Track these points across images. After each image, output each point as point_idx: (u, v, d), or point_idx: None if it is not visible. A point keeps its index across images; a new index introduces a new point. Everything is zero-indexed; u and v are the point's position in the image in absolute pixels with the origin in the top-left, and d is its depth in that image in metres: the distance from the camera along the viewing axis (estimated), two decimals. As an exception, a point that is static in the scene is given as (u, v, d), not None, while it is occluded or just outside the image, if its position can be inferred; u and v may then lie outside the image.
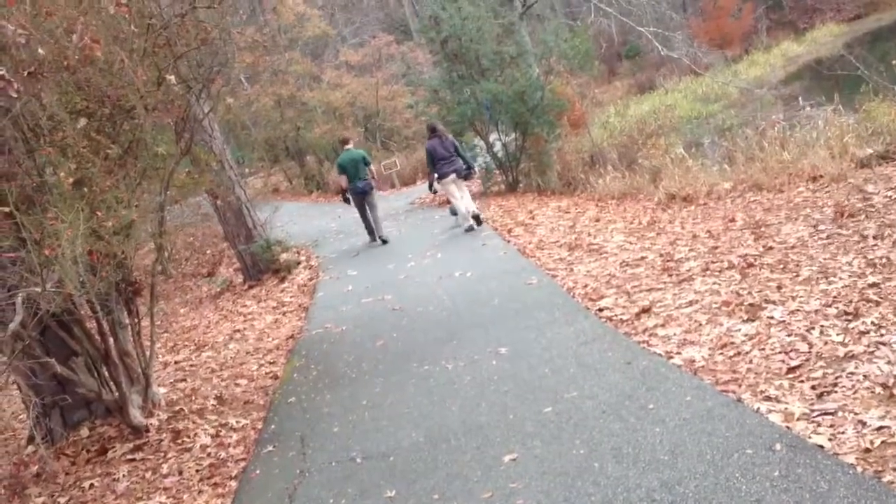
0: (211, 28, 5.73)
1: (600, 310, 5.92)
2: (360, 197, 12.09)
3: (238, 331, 8.60)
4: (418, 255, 10.03)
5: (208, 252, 15.28)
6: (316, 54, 30.27)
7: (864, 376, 3.62)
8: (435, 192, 11.92)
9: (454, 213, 11.84)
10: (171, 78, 5.26)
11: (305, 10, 26.37)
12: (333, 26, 31.11)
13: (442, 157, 10.91)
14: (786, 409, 3.52)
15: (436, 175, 11.10)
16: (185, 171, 7.70)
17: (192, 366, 7.47)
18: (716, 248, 6.65)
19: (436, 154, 10.97)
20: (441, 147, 10.93)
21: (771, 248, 6.17)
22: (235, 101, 19.63)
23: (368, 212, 12.26)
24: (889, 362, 3.68)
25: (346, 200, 12.43)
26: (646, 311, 5.57)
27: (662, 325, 5.17)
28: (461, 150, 11.37)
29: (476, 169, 12.27)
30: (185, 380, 6.91)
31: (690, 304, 5.43)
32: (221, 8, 6.52)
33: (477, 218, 10.83)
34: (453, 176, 10.93)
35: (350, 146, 12.52)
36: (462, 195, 11.08)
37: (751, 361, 4.19)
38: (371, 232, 12.37)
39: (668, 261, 6.68)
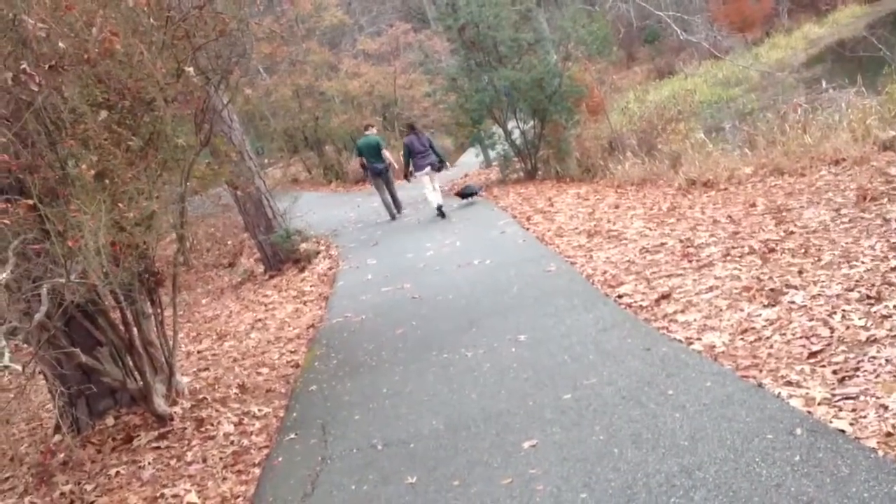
0: (229, 19, 5.75)
1: (620, 296, 5.91)
2: (377, 177, 13.55)
3: (259, 320, 8.66)
4: (437, 244, 10.04)
5: (229, 242, 15.39)
6: (333, 44, 30.26)
7: (887, 360, 3.59)
8: (408, 181, 13.09)
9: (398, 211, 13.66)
10: (190, 70, 5.29)
11: (323, 0, 26.34)
12: (351, 15, 31.06)
13: (418, 151, 12.25)
14: (807, 393, 3.51)
15: (412, 168, 12.35)
16: (206, 163, 7.76)
17: (214, 355, 7.54)
18: (736, 233, 6.61)
19: (413, 149, 12.28)
20: (417, 143, 12.31)
21: (792, 232, 6.12)
22: (254, 92, 19.73)
23: (385, 190, 13.62)
24: (912, 346, 3.65)
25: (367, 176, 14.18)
26: (665, 297, 5.56)
27: (682, 311, 5.16)
28: (435, 146, 12.74)
29: (447, 164, 13.80)
30: (207, 369, 6.98)
31: (711, 289, 5.40)
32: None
33: (440, 211, 12.09)
34: (428, 168, 12.22)
35: (370, 132, 13.79)
36: (434, 187, 12.36)
37: (771, 346, 4.17)
38: (389, 209, 13.70)
39: (688, 246, 6.65)
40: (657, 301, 5.53)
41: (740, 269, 5.61)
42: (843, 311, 4.30)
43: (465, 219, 11.61)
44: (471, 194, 13.08)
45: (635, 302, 5.67)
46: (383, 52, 28.08)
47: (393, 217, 13.61)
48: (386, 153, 13.47)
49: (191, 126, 6.09)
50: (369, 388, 5.43)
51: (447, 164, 13.63)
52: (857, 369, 3.62)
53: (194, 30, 5.46)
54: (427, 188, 12.42)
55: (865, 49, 17.22)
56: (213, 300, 11.18)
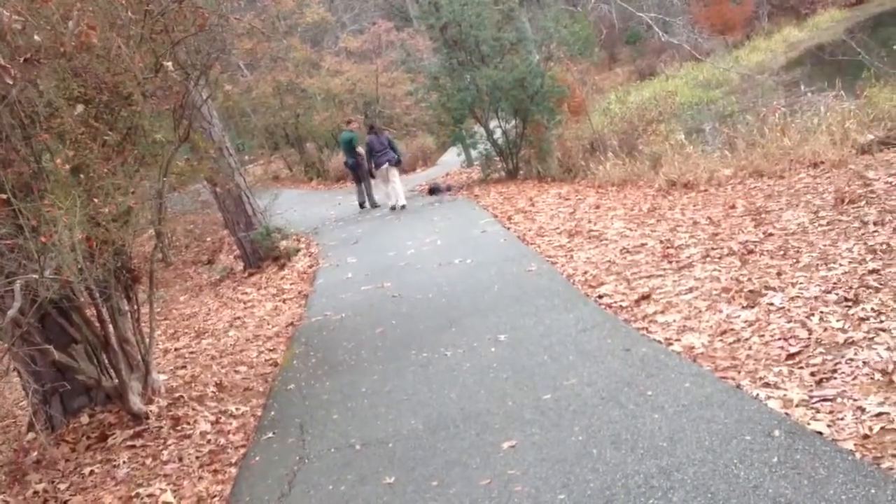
0: (208, 14, 5.68)
1: (600, 297, 5.92)
2: (352, 171, 15.25)
3: (238, 318, 8.59)
4: (418, 243, 10.01)
5: (208, 240, 15.27)
6: (315, 41, 30.11)
7: (864, 363, 3.62)
8: (373, 177, 14.54)
9: (374, 204, 15.00)
10: (169, 64, 5.22)
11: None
12: (333, 13, 30.93)
13: (378, 150, 13.80)
14: (785, 395, 3.52)
15: (374, 163, 13.91)
16: (185, 159, 7.69)
17: (191, 353, 7.47)
18: (716, 234, 6.64)
19: (373, 147, 13.85)
20: (377, 142, 13.83)
21: (771, 234, 6.16)
22: (234, 88, 19.58)
23: (361, 183, 15.07)
24: (888, 348, 3.68)
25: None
26: (645, 297, 5.57)
27: (662, 312, 5.17)
28: (394, 144, 14.42)
29: (402, 160, 15.62)
30: (184, 367, 6.91)
31: (690, 290, 5.42)
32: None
33: (399, 208, 13.53)
34: (386, 165, 13.72)
35: (349, 127, 15.53)
36: (394, 181, 13.76)
37: (750, 348, 4.19)
38: (361, 201, 15.14)
39: (668, 247, 6.68)
40: (637, 302, 5.54)
41: (720, 271, 5.63)
42: (822, 313, 4.32)
43: (447, 218, 11.59)
44: (438, 191, 14.74)
45: (615, 302, 5.68)
46: (365, 50, 27.98)
47: (362, 206, 15.10)
48: (359, 149, 14.74)
49: (169, 121, 6.02)
50: (348, 387, 5.39)
51: (402, 161, 15.58)
52: (834, 371, 3.64)
53: (173, 24, 5.39)
54: (388, 184, 13.84)
55: (844, 53, 17.39)
56: (191, 297, 11.08)
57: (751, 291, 4.98)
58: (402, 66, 20.05)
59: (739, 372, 3.93)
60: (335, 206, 16.82)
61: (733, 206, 7.45)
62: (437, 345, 5.73)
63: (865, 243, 5.24)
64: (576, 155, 13.61)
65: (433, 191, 14.75)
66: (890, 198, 6.14)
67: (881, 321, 4.00)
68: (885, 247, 5.05)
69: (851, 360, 3.69)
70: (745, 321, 4.56)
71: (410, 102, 20.91)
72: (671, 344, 4.59)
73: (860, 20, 28.93)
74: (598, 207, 9.57)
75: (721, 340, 4.43)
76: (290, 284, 9.77)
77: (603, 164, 11.81)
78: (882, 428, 3.05)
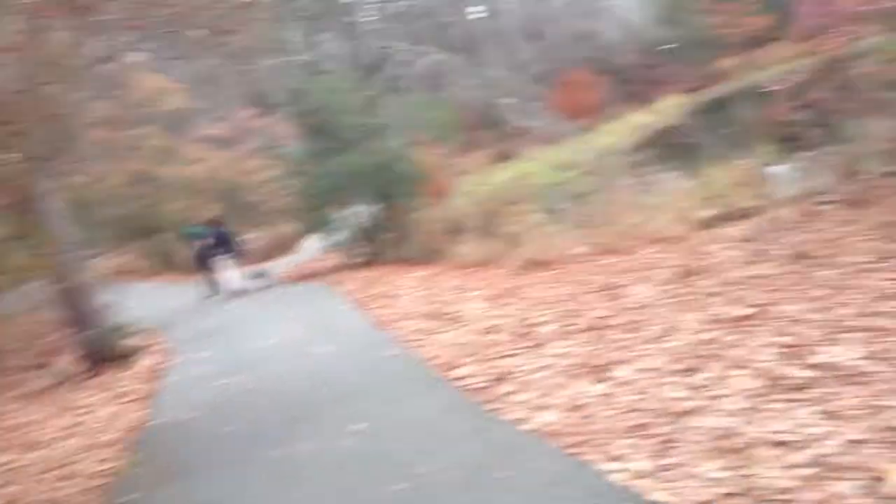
0: (58, 104, 5.36)
1: (459, 378, 5.83)
2: (199, 262, 15.86)
3: (76, 424, 7.89)
4: (277, 333, 9.66)
5: (44, 340, 14.12)
6: (175, 128, 29.48)
7: (703, 430, 3.67)
8: (210, 270, 15.44)
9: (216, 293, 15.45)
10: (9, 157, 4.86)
11: (165, 86, 25.69)
12: (194, 100, 30.49)
13: (216, 243, 14.95)
14: (630, 467, 3.52)
15: (212, 255, 14.91)
16: (25, 255, 7.17)
17: (18, 468, 6.74)
18: (572, 311, 6.75)
19: (211, 240, 15.03)
20: (215, 234, 15.03)
21: (622, 308, 6.31)
22: (84, 178, 18.80)
23: (210, 273, 15.47)
24: (727, 414, 3.75)
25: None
26: (503, 377, 5.52)
27: (518, 392, 5.13)
28: (230, 237, 15.43)
29: (236, 254, 15.88)
30: (5, 486, 6.21)
31: (546, 367, 5.44)
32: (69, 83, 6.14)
33: (236, 293, 14.47)
34: (223, 256, 14.88)
35: (202, 223, 16.37)
36: (230, 272, 14.86)
37: (600, 422, 4.20)
38: (209, 290, 15.46)
39: (525, 326, 6.71)
40: (495, 381, 5.49)
41: (574, 347, 5.70)
42: (665, 383, 4.41)
43: (308, 304, 11.35)
44: (261, 275, 15.57)
45: (474, 384, 5.60)
46: (227, 138, 27.64)
47: (214, 293, 15.34)
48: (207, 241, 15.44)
49: (6, 216, 5.58)
50: (193, 493, 4.98)
51: (238, 252, 15.99)
52: (676, 440, 3.68)
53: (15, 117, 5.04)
54: (225, 273, 14.85)
55: (686, 135, 18.63)
56: (27, 405, 10.14)
57: (601, 365, 5.03)
58: (265, 153, 19.93)
59: (589, 447, 3.90)
60: (190, 298, 16.14)
61: (587, 283, 7.63)
62: (291, 440, 5.42)
63: (705, 313, 5.44)
64: (438, 237, 13.73)
65: (256, 275, 15.55)
66: (726, 269, 6.45)
67: (718, 389, 4.09)
68: (722, 316, 5.25)
69: (692, 428, 3.74)
70: (595, 395, 4.58)
71: (274, 188, 20.65)
72: (527, 422, 4.54)
73: (700, 104, 31.25)
74: (458, 289, 9.60)
75: (573, 416, 4.41)
76: (138, 384, 9.11)
77: (464, 246, 11.95)
78: (725, 493, 3.06)
